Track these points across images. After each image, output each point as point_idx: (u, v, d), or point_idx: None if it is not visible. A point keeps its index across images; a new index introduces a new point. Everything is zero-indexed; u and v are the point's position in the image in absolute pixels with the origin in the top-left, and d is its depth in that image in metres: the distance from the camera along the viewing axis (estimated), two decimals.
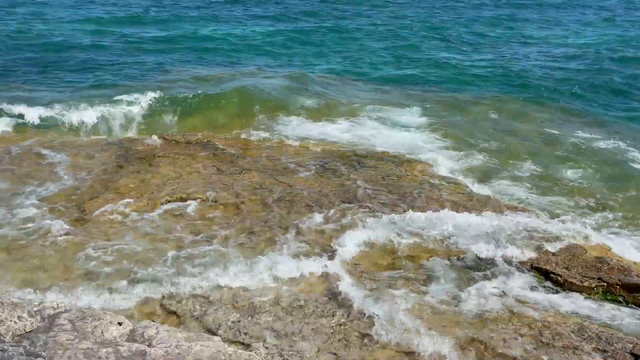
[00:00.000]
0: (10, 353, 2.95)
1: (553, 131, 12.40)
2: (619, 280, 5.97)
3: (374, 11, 29.43)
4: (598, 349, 5.00)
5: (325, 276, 5.99)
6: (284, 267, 6.04)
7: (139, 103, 12.24)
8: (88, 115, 11.42)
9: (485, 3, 33.12)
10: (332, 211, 7.37)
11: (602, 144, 11.64)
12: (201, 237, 6.74)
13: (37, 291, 5.45)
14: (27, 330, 3.35)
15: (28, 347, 3.10)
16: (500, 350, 4.97)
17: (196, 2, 29.77)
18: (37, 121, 11.00)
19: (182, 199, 7.67)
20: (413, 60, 19.00)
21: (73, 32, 20.33)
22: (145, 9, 26.70)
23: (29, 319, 3.41)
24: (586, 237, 7.02)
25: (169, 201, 7.61)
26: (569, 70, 18.03)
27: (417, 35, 23.25)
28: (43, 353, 3.03)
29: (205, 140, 10.11)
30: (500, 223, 7.19)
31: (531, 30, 25.59)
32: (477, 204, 7.81)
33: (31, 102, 11.72)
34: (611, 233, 7.79)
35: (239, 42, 20.50)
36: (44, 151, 9.34)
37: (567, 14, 30.73)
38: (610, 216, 8.40)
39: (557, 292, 5.95)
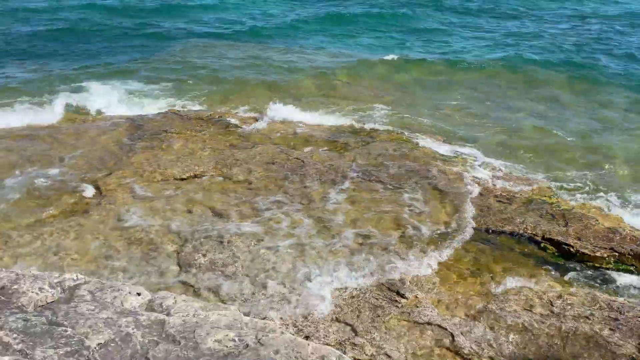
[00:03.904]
0: (33, 322, 3.04)
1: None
2: (631, 250, 5.98)
3: None
4: (610, 317, 5.04)
5: None
6: None
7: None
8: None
9: None
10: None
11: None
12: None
13: None
14: (48, 301, 3.43)
15: (50, 316, 3.18)
16: (511, 321, 5.03)
17: None
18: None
19: (196, 175, 7.74)
20: None
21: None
22: None
23: (50, 290, 3.49)
24: (599, 208, 7.02)
25: (183, 178, 7.67)
26: None
27: None
28: (65, 322, 3.12)
29: (217, 117, 10.17)
30: (513, 194, 7.21)
31: None
32: (488, 176, 7.81)
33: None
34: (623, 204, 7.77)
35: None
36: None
37: None
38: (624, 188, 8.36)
39: (569, 262, 5.97)
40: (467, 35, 19.13)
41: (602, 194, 7.98)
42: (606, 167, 9.07)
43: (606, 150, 9.72)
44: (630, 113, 11.81)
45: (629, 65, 15.06)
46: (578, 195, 7.78)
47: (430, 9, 22.95)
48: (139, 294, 3.53)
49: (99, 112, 10.58)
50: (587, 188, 8.21)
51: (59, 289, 3.57)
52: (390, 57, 15.54)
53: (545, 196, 7.34)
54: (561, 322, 5.01)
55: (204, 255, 5.81)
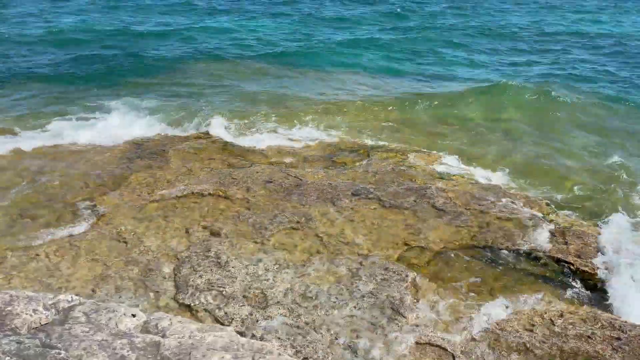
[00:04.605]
0: (27, 344, 2.99)
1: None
2: None
3: None
4: (612, 337, 4.98)
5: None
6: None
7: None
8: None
9: None
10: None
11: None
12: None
13: None
14: (42, 323, 3.39)
15: (44, 339, 3.14)
16: (512, 341, 4.96)
17: None
18: None
19: (193, 194, 7.70)
20: None
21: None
22: None
23: (44, 312, 3.45)
24: (598, 226, 6.99)
25: (180, 197, 7.63)
26: None
27: None
28: (59, 345, 3.07)
29: (215, 135, 10.18)
30: (512, 212, 7.18)
31: None
32: (489, 194, 7.78)
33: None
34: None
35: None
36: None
37: None
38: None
39: (569, 280, 5.92)
40: (490, 58, 19.05)
41: (602, 212, 7.95)
42: (606, 186, 9.03)
43: (609, 171, 9.67)
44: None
45: None
46: (578, 213, 7.74)
47: (450, 32, 23.08)
48: (134, 315, 3.49)
49: (98, 133, 10.48)
50: (586, 206, 8.18)
51: (53, 310, 3.52)
52: (398, 79, 15.69)
53: (544, 213, 7.31)
54: (563, 342, 4.95)
55: (201, 276, 5.75)
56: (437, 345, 4.90)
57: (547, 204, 7.63)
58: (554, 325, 5.16)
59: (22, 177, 8.18)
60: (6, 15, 24.58)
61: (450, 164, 9.27)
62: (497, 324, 5.17)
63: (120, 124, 10.77)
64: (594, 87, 15.18)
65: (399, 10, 28.83)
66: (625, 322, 5.18)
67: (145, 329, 3.40)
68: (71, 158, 9.04)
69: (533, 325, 5.18)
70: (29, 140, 9.78)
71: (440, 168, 8.92)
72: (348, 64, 17.94)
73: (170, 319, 3.47)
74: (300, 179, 8.21)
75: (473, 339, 5.00)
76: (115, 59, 17.06)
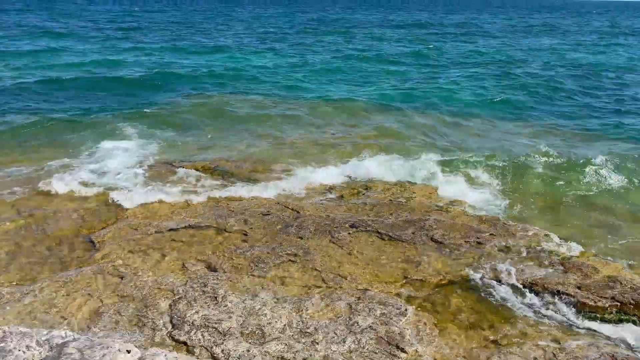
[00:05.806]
0: None
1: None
2: (633, 299, 5.88)
3: None
4: None
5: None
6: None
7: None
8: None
9: None
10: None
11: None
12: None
13: None
14: None
15: None
16: None
17: None
18: None
19: (191, 227, 7.66)
20: None
21: None
22: None
23: (38, 349, 3.38)
24: (597, 257, 6.95)
25: (177, 229, 7.59)
26: None
27: None
28: None
29: (213, 166, 10.19)
30: (510, 244, 7.15)
31: None
32: (487, 226, 7.76)
33: None
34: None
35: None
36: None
37: None
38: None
39: (570, 312, 5.85)
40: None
41: (602, 242, 7.93)
42: (607, 217, 9.01)
43: (606, 203, 9.66)
44: None
45: None
46: (578, 245, 7.70)
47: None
48: (128, 352, 3.42)
49: (95, 174, 10.30)
50: (586, 236, 8.15)
51: (46, 346, 3.45)
52: (402, 112, 15.97)
53: (543, 244, 7.26)
54: None
55: (198, 312, 5.67)
56: None
57: (546, 235, 7.59)
58: (556, 358, 5.08)
59: (18, 213, 8.14)
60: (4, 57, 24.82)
61: (448, 196, 9.27)
62: (499, 358, 5.09)
63: (118, 164, 10.73)
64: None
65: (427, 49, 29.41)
66: (628, 355, 5.11)
67: None
68: (68, 194, 9.01)
69: (535, 358, 5.09)
70: (28, 179, 9.75)
71: (438, 200, 8.91)
72: (354, 97, 18.16)
73: (165, 355, 3.39)
74: (298, 212, 8.19)
75: None
76: (114, 101, 17.11)
